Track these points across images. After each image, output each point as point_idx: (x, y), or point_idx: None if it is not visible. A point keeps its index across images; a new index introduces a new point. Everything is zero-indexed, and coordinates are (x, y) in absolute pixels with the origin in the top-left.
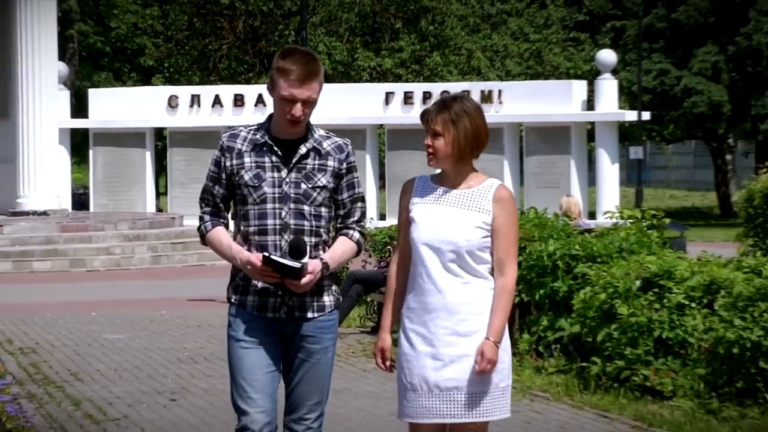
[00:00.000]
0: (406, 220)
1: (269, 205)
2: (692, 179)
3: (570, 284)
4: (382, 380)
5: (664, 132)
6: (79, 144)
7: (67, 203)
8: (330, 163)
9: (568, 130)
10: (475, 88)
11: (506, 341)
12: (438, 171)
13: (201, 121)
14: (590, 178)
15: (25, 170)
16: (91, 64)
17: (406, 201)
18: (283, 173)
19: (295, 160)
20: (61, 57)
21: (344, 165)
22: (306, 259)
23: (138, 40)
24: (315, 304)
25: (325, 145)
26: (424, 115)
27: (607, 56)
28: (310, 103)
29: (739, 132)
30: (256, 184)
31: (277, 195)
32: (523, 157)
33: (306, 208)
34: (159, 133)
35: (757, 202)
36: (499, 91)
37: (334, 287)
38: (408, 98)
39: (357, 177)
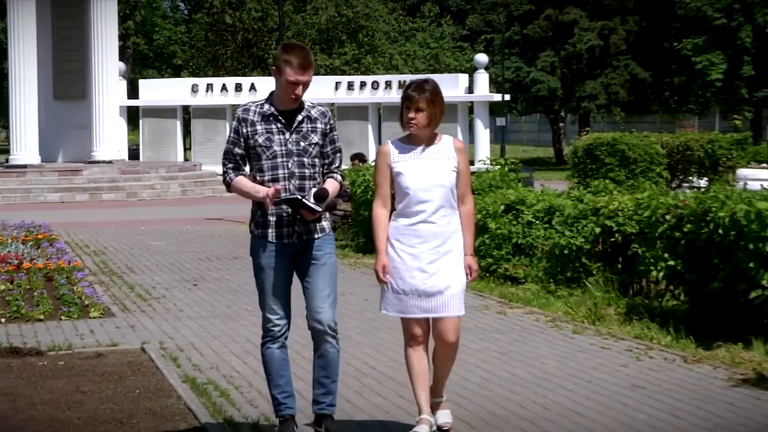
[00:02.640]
0: (390, 174)
1: (279, 159)
2: (537, 139)
3: None
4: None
5: (519, 108)
6: (133, 116)
7: (125, 155)
8: (319, 125)
9: (456, 107)
10: (395, 80)
11: None
12: (404, 135)
13: (213, 101)
14: (470, 138)
15: (97, 133)
16: (140, 63)
17: (387, 160)
18: (287, 135)
19: (294, 125)
20: (121, 58)
21: (328, 126)
22: (323, 204)
23: (171, 48)
24: (318, 227)
25: (313, 112)
26: (408, 98)
27: (482, 58)
28: (307, 84)
29: (568, 108)
30: (268, 145)
31: (284, 151)
32: None
33: (305, 159)
34: (185, 109)
35: (579, 154)
36: None
37: (328, 215)
38: (350, 86)
39: (337, 134)
